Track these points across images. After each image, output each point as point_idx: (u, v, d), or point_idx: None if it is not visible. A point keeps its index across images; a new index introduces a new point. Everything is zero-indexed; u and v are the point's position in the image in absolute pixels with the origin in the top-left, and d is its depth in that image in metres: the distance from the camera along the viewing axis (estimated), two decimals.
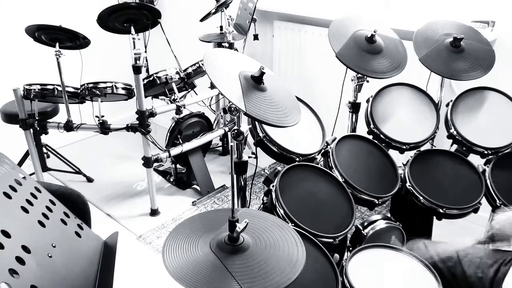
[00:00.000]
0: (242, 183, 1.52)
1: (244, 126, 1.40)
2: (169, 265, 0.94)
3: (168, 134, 2.81)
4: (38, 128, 2.53)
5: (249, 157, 1.49)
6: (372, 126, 1.93)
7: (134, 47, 2.32)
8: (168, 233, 1.04)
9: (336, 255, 1.47)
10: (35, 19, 2.31)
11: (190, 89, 2.85)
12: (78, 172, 3.05)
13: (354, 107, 2.06)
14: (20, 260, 0.80)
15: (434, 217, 1.77)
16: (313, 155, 1.77)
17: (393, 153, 1.88)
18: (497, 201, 1.70)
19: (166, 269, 0.93)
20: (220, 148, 3.40)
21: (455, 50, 1.90)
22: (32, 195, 0.99)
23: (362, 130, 2.01)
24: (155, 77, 2.53)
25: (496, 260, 1.30)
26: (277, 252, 1.00)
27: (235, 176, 1.48)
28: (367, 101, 2.00)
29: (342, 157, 1.73)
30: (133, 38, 2.34)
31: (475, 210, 1.71)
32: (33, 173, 2.65)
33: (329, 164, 1.71)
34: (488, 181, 1.74)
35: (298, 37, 2.86)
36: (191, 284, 0.90)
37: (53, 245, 0.92)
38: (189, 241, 1.02)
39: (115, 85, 2.45)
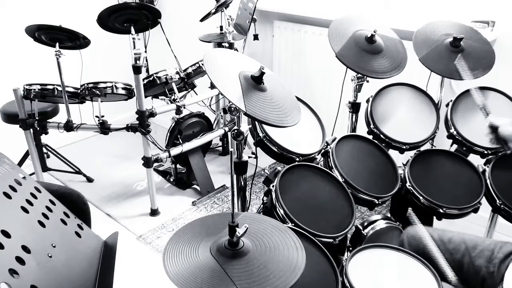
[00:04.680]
0: (242, 183, 1.52)
1: (244, 126, 1.40)
2: (170, 271, 0.94)
3: (168, 134, 2.81)
4: (38, 128, 2.53)
5: (249, 157, 1.49)
6: (372, 126, 1.93)
7: (134, 47, 2.32)
8: (169, 238, 1.04)
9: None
10: (35, 19, 2.32)
11: (190, 89, 2.85)
12: (78, 172, 3.05)
13: (354, 107, 2.06)
14: (20, 260, 0.80)
15: (434, 217, 1.77)
16: (313, 155, 1.77)
17: (393, 153, 1.88)
18: (497, 201, 1.70)
19: (167, 275, 0.93)
20: (220, 148, 3.40)
21: (455, 50, 1.90)
22: (32, 195, 0.99)
23: (362, 130, 2.01)
24: (155, 77, 2.53)
25: (508, 254, 1.26)
26: (277, 257, 1.00)
27: (235, 177, 1.48)
28: (367, 101, 2.00)
29: (342, 157, 1.73)
30: (133, 38, 2.34)
31: (475, 210, 1.71)
32: (33, 173, 2.65)
33: (329, 164, 1.71)
34: (488, 181, 1.74)
35: (298, 37, 2.86)
36: None
37: (53, 245, 0.92)
38: (189, 246, 1.02)
39: (115, 85, 2.45)
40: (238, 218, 1.02)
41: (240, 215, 1.12)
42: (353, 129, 2.12)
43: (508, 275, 1.18)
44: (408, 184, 1.72)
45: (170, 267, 0.95)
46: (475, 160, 1.83)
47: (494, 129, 1.50)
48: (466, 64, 1.85)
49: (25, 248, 0.83)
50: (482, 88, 1.96)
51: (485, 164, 1.83)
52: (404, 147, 1.89)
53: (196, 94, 2.91)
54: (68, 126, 2.50)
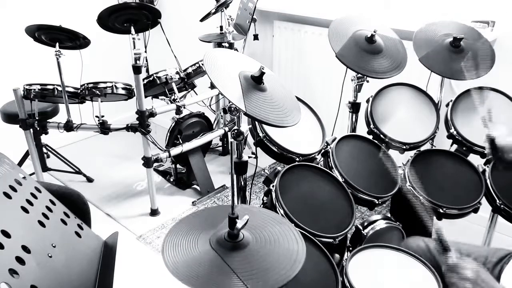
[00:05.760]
0: (242, 183, 1.52)
1: (244, 126, 1.40)
2: (168, 262, 0.94)
3: (168, 134, 2.81)
4: (38, 128, 2.53)
5: (249, 157, 1.49)
6: (372, 126, 1.93)
7: (134, 47, 2.32)
8: (168, 230, 1.04)
9: (337, 255, 1.46)
10: (35, 19, 2.32)
11: (190, 89, 2.85)
12: (78, 172, 3.05)
13: (354, 107, 2.06)
14: (20, 260, 0.80)
15: (434, 217, 1.77)
16: (313, 155, 1.77)
17: (393, 153, 1.88)
18: (497, 201, 1.70)
19: (166, 266, 0.93)
20: (220, 148, 3.40)
21: (455, 50, 1.90)
22: (32, 195, 0.99)
23: (362, 130, 2.01)
24: (155, 77, 2.53)
25: (501, 259, 1.28)
26: (277, 249, 1.00)
27: (235, 175, 1.48)
28: (367, 101, 2.00)
29: (342, 157, 1.73)
30: (133, 38, 2.34)
31: (475, 210, 1.71)
32: (33, 173, 2.65)
33: (329, 164, 1.71)
34: (488, 181, 1.74)
35: (298, 37, 2.86)
36: (190, 281, 0.90)
37: (53, 245, 0.92)
38: (188, 238, 1.01)
39: (115, 85, 2.45)
40: (238, 210, 1.02)
41: (239, 207, 1.12)
42: (353, 129, 2.12)
43: (504, 277, 1.19)
44: (408, 184, 1.72)
45: (169, 260, 0.95)
46: (475, 160, 1.83)
47: (491, 141, 1.39)
48: (467, 64, 1.85)
49: (25, 248, 0.83)
50: (481, 88, 1.96)
51: (485, 164, 1.83)
52: (404, 147, 1.89)
53: (196, 94, 2.91)
54: (68, 126, 2.50)
